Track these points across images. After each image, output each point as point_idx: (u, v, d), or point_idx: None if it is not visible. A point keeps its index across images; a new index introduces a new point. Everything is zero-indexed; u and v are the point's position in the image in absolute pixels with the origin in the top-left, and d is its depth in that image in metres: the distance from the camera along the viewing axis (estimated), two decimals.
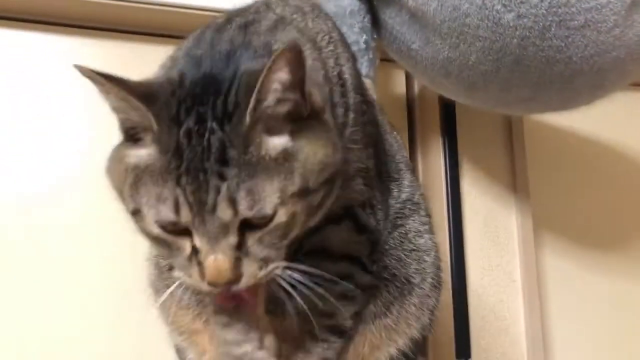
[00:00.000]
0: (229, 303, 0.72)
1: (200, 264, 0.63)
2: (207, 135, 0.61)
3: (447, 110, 1.67)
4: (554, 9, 1.08)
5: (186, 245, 0.64)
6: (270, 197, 0.61)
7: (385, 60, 1.45)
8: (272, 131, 0.64)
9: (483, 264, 1.66)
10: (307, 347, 0.77)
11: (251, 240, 0.63)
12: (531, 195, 1.70)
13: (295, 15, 0.81)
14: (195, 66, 0.68)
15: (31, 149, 1.39)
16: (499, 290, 1.66)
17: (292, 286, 0.67)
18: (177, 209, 0.61)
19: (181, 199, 0.61)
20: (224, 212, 0.60)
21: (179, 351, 0.92)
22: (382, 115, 1.02)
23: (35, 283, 1.33)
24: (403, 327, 0.88)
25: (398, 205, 0.91)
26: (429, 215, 0.97)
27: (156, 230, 0.64)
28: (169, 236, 0.64)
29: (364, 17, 1.29)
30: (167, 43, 1.44)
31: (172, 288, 0.72)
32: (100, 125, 1.30)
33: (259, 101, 0.61)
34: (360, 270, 0.81)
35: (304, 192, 0.64)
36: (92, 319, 1.34)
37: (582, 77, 1.18)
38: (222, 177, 0.60)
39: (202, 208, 0.61)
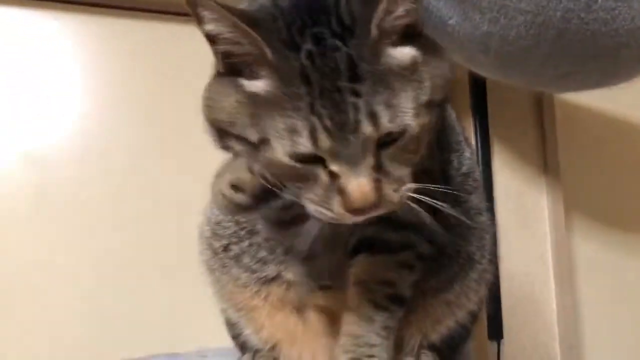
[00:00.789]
0: None
1: (342, 191, 0.60)
2: (330, 53, 0.59)
3: (478, 89, 1.64)
4: None
5: (321, 173, 0.61)
6: (407, 108, 0.60)
7: None
8: (397, 42, 0.62)
9: (514, 246, 1.64)
10: (369, 315, 0.77)
11: (385, 158, 0.61)
12: (562, 176, 1.68)
13: None
14: None
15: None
16: (531, 272, 1.64)
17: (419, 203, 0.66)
18: (314, 137, 0.58)
19: (318, 127, 0.58)
20: (366, 129, 0.58)
21: (233, 326, 0.93)
22: None
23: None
24: (463, 301, 0.89)
25: (459, 179, 0.89)
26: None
27: (287, 160, 0.60)
28: (302, 166, 0.61)
29: None
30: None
31: None
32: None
33: (387, 12, 0.60)
34: (424, 239, 0.80)
35: (430, 104, 0.62)
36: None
37: (626, 51, 1.15)
38: (357, 94, 0.58)
39: (342, 130, 0.58)
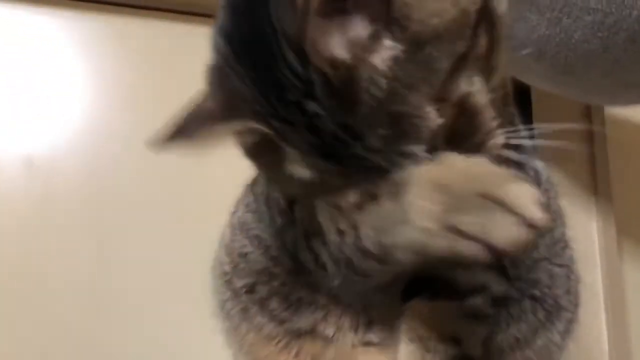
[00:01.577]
0: None
1: None
2: (318, 123, 0.49)
3: (522, 101, 1.51)
4: None
5: None
6: (425, 111, 0.49)
7: None
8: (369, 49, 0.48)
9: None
10: None
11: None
12: (613, 198, 1.56)
13: None
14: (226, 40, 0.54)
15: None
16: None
17: None
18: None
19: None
20: (407, 166, 0.50)
21: None
22: None
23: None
24: None
25: (544, 197, 0.75)
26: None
27: None
28: None
29: None
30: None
31: None
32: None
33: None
34: (497, 277, 0.65)
35: (459, 63, 0.49)
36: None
37: None
38: (372, 150, 0.49)
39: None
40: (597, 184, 1.56)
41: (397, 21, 0.46)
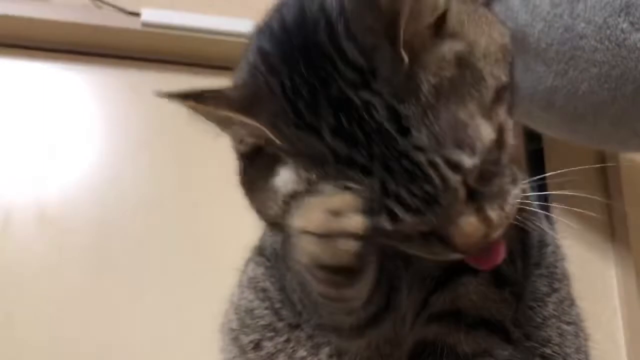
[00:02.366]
0: (490, 262, 0.58)
1: (443, 240, 0.52)
2: (365, 115, 0.47)
3: (534, 146, 1.50)
4: None
5: (412, 234, 0.52)
6: (479, 122, 0.48)
7: None
8: (429, 47, 0.49)
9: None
10: None
11: (474, 181, 0.50)
12: (632, 243, 1.53)
13: None
14: (271, 47, 0.52)
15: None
16: (599, 355, 1.45)
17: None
18: (395, 219, 0.49)
19: (398, 208, 0.48)
20: (454, 181, 0.48)
21: None
22: None
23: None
24: None
25: (550, 258, 0.75)
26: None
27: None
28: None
29: None
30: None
31: None
32: None
33: (413, 19, 0.47)
34: (500, 340, 0.64)
35: (500, 93, 0.50)
36: None
37: None
38: (423, 150, 0.47)
39: (428, 198, 0.48)
40: (614, 228, 1.54)
41: (453, 34, 0.50)
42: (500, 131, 0.50)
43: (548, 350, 0.71)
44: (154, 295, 1.31)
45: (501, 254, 0.57)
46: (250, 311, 0.76)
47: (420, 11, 0.48)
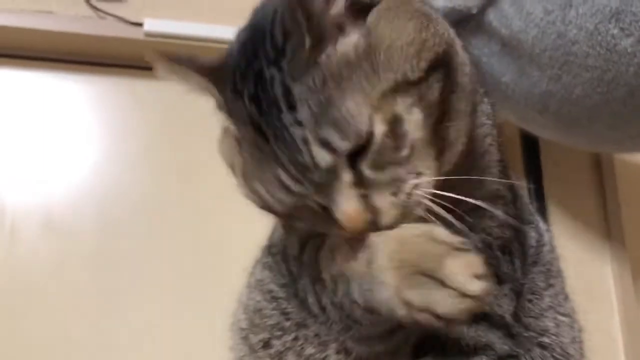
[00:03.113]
0: None
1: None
2: (270, 87, 0.54)
3: (530, 147, 1.52)
4: None
5: (313, 205, 0.56)
6: (361, 110, 0.52)
7: None
8: (335, 36, 0.54)
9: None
10: None
11: (366, 167, 0.54)
12: (627, 241, 1.55)
13: None
14: (242, 30, 0.60)
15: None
16: (598, 351, 1.46)
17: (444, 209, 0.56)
18: (286, 188, 0.54)
19: (283, 176, 0.53)
20: (324, 160, 0.52)
21: None
22: None
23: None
24: None
25: (548, 257, 0.78)
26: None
27: (280, 209, 0.57)
28: (295, 209, 0.57)
29: None
30: None
31: None
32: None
33: (308, 11, 0.52)
34: (502, 335, 0.67)
35: (403, 86, 0.53)
36: None
37: None
38: (300, 123, 0.52)
39: (304, 169, 0.53)
40: (609, 227, 1.55)
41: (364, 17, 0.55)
42: (394, 122, 0.53)
43: (546, 340, 0.74)
44: (158, 297, 1.32)
45: None
46: (258, 311, 0.79)
47: (326, 11, 0.53)
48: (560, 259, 0.82)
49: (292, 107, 0.52)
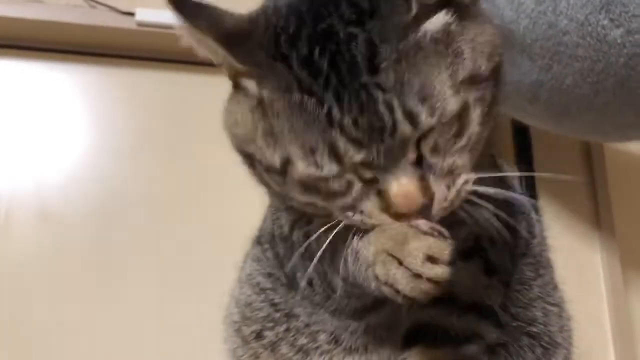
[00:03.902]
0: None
1: (381, 194, 0.53)
2: (345, 47, 0.51)
3: (521, 137, 1.53)
4: None
5: (353, 180, 0.54)
6: (445, 90, 0.52)
7: None
8: (429, 13, 0.54)
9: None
10: None
11: (427, 150, 0.53)
12: (617, 230, 1.56)
13: None
14: None
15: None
16: (587, 337, 1.48)
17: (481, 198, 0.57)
18: (338, 155, 0.51)
19: (341, 141, 0.51)
20: (405, 130, 0.51)
21: None
22: None
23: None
24: None
25: (538, 249, 0.80)
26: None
27: (309, 178, 0.54)
28: (325, 181, 0.54)
29: None
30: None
31: None
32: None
33: None
34: (490, 325, 0.69)
35: (475, 79, 0.54)
36: None
37: None
38: (383, 89, 0.50)
39: (374, 135, 0.51)
40: (599, 216, 1.56)
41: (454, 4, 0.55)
42: (464, 110, 0.54)
43: (534, 329, 0.76)
44: (153, 287, 1.33)
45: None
46: (249, 304, 0.81)
47: None
48: (550, 248, 0.83)
49: (373, 70, 0.51)
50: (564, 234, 1.54)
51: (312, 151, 0.52)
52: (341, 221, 0.57)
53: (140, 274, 1.33)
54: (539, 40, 1.04)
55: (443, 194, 0.54)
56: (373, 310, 0.70)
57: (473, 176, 0.56)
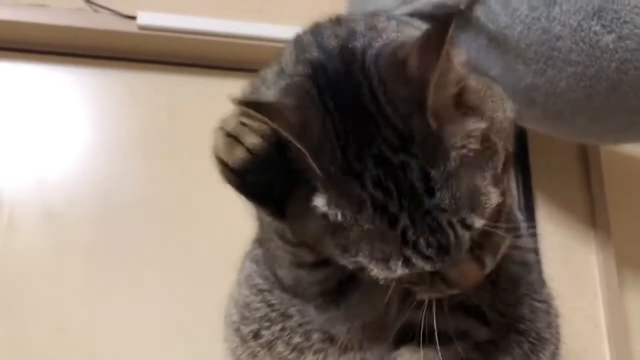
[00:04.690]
0: None
1: (444, 280, 0.59)
2: (402, 173, 0.54)
3: (518, 137, 1.55)
4: None
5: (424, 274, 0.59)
6: (491, 187, 0.56)
7: None
8: (456, 118, 0.56)
9: (562, 307, 1.51)
10: None
11: (477, 237, 0.57)
12: (612, 230, 1.57)
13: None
14: (318, 87, 0.59)
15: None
16: (582, 336, 1.51)
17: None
18: (411, 264, 0.56)
19: (415, 258, 0.55)
20: (465, 238, 0.55)
21: None
22: None
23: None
24: None
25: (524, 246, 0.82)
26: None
27: (381, 277, 0.59)
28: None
29: None
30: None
31: None
32: None
33: (439, 89, 0.53)
34: (478, 322, 0.72)
35: (508, 161, 0.59)
36: None
37: None
38: (444, 209, 0.54)
39: (441, 249, 0.55)
40: (595, 216, 1.57)
41: (473, 109, 0.57)
42: (503, 194, 0.58)
43: (522, 326, 0.78)
44: (155, 287, 1.34)
45: None
46: (247, 305, 0.84)
47: (446, 82, 0.54)
48: (541, 244, 0.86)
49: (431, 194, 0.54)
50: (560, 233, 1.56)
51: (386, 260, 0.56)
52: None
53: (143, 273, 1.35)
54: (533, 45, 1.06)
55: (493, 262, 0.60)
56: (341, 295, 0.73)
57: (509, 238, 0.62)
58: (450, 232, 0.54)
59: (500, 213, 0.58)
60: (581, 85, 1.06)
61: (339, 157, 0.55)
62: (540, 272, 0.85)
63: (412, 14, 1.19)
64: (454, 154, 0.54)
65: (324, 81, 0.59)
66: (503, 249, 0.61)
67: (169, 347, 1.30)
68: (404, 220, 0.54)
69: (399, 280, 0.59)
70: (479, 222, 0.55)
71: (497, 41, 1.12)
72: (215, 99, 1.42)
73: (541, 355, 0.79)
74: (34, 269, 1.31)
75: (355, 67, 0.58)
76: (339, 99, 0.57)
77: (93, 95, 1.44)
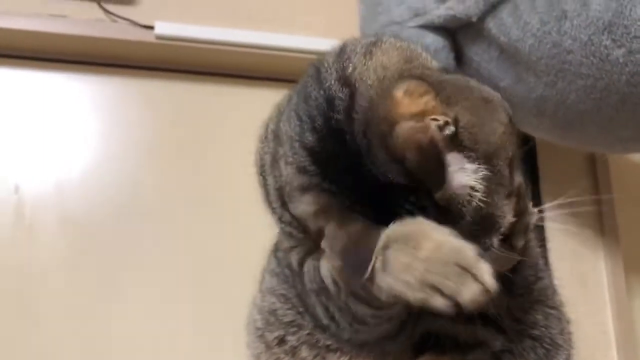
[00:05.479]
0: None
1: None
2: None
3: (526, 146, 1.56)
4: None
5: None
6: (504, 211, 0.59)
7: None
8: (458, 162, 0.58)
9: (570, 314, 1.53)
10: None
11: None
12: (621, 237, 1.59)
13: None
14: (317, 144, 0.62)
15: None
16: (590, 344, 1.52)
17: None
18: None
19: None
20: (484, 254, 0.57)
21: None
22: None
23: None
24: None
25: (534, 252, 0.82)
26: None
27: None
28: None
29: (447, 55, 1.21)
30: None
31: None
32: None
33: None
34: (494, 331, 0.73)
35: (511, 162, 0.61)
36: None
37: None
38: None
39: None
40: (603, 223, 1.58)
41: (468, 148, 0.58)
42: (518, 189, 0.61)
43: (536, 332, 0.78)
44: (172, 294, 1.37)
45: None
46: (273, 311, 0.82)
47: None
48: (550, 252, 0.88)
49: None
50: (568, 241, 1.57)
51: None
52: None
53: (158, 276, 1.37)
54: (544, 58, 1.07)
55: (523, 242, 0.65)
56: (395, 336, 0.73)
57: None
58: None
59: (518, 202, 0.61)
60: (591, 98, 1.07)
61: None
62: (551, 278, 0.86)
63: (424, 26, 1.22)
64: (466, 203, 0.57)
65: (318, 149, 0.63)
66: (532, 226, 0.65)
67: (187, 350, 1.32)
68: None
69: None
70: (495, 239, 0.58)
71: (508, 53, 1.14)
72: (231, 107, 1.46)
73: None
74: (51, 272, 1.34)
75: (348, 135, 0.61)
76: (337, 166, 0.61)
77: (111, 103, 1.47)
